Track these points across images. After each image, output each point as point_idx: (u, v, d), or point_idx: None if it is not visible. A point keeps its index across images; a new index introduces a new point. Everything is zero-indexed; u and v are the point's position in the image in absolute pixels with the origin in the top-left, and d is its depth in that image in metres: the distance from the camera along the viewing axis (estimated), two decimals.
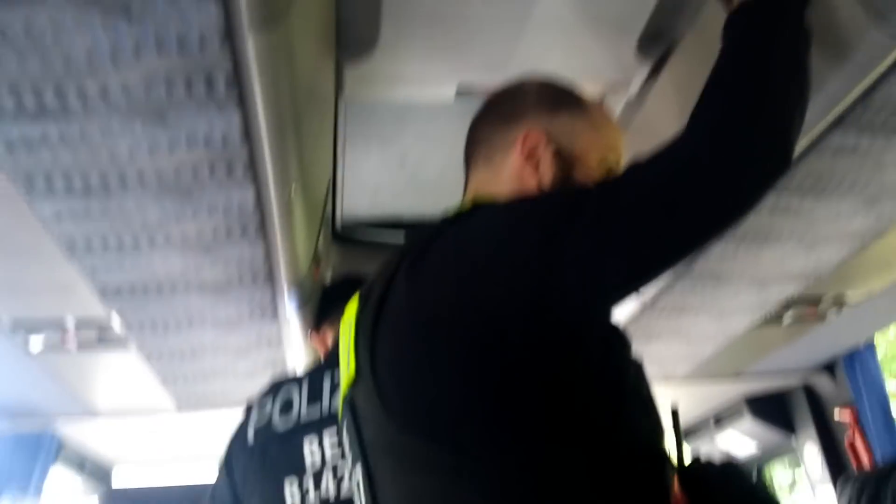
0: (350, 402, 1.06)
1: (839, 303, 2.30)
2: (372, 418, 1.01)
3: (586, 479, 0.91)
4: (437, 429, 0.94)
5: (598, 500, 0.90)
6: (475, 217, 1.05)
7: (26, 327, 1.94)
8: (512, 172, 1.16)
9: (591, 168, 1.14)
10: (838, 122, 1.40)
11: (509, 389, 0.92)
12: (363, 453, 1.02)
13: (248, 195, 1.43)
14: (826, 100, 1.34)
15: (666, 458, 0.97)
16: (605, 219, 0.91)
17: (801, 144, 1.46)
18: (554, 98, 1.21)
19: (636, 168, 0.95)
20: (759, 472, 1.08)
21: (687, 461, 1.04)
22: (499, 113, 1.23)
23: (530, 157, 1.14)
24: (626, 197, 0.92)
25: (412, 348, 0.98)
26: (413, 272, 1.01)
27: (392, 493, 0.98)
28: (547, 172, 1.13)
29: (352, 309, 1.14)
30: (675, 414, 1.20)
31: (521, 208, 1.03)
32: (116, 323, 1.93)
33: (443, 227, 1.07)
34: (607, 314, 1.02)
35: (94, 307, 1.85)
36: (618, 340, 1.05)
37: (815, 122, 1.39)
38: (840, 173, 1.56)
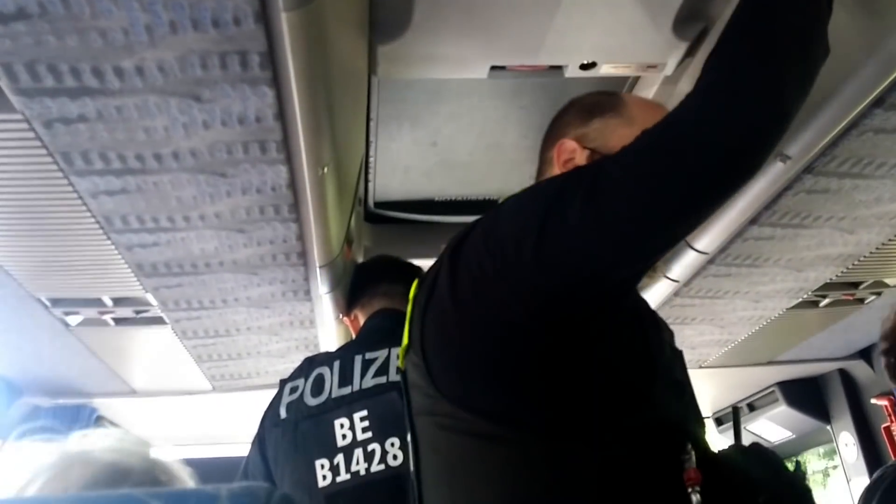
0: (403, 370, 1.15)
1: (878, 287, 2.26)
2: (418, 386, 1.09)
3: (606, 451, 0.96)
4: (473, 399, 1.01)
5: (615, 470, 0.95)
6: (503, 202, 1.10)
7: (65, 303, 1.98)
8: None
9: None
10: (879, 101, 1.37)
11: (534, 364, 0.98)
12: (410, 417, 1.11)
13: (282, 174, 1.45)
14: (866, 79, 1.31)
15: (687, 439, 0.99)
16: (603, 186, 0.93)
17: (840, 125, 1.43)
18: (588, 107, 1.26)
19: (640, 135, 0.97)
20: (798, 462, 1.10)
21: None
22: (545, 137, 1.30)
23: (566, 164, 1.20)
24: (625, 162, 0.95)
25: (451, 323, 1.04)
26: (454, 255, 1.07)
27: (430, 451, 1.07)
28: None
29: (414, 286, 1.20)
30: (735, 412, 1.25)
31: (533, 188, 1.09)
32: (152, 301, 1.96)
33: (487, 213, 1.11)
34: (625, 288, 1.03)
35: (131, 285, 1.88)
36: (653, 325, 1.08)
37: (855, 102, 1.36)
38: (882, 154, 1.52)
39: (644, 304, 1.19)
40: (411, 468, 1.10)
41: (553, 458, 0.96)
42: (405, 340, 1.15)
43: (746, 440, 1.25)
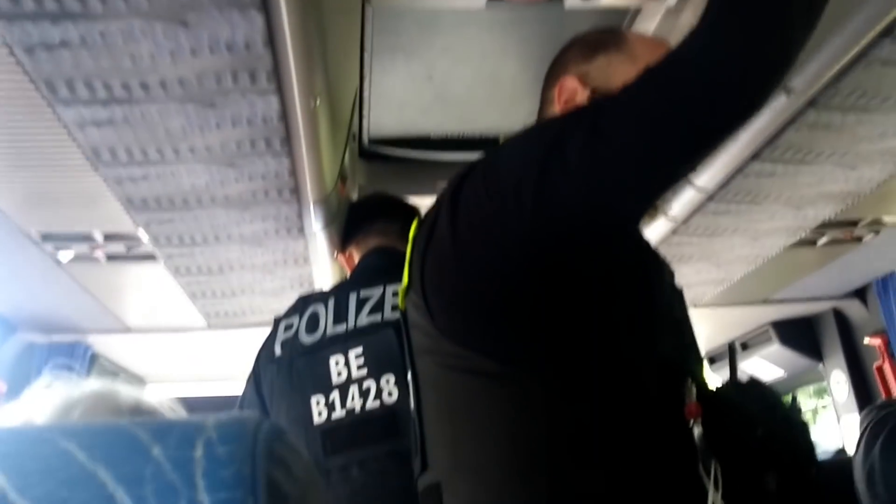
0: (403, 310, 1.15)
1: (876, 225, 2.24)
2: (419, 326, 1.09)
3: (607, 387, 0.96)
4: (474, 338, 1.02)
5: (616, 406, 0.96)
6: (504, 143, 1.08)
7: (56, 238, 1.96)
8: None
9: None
10: (887, 31, 1.34)
11: (534, 302, 0.98)
12: (411, 356, 1.12)
13: (273, 105, 1.41)
14: (875, 8, 1.28)
15: (687, 376, 1.01)
16: (604, 125, 0.92)
17: (847, 56, 1.40)
18: (591, 44, 1.23)
19: (642, 73, 0.94)
20: (794, 397, 1.12)
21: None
22: (546, 75, 1.28)
23: (567, 103, 1.18)
24: (627, 101, 0.93)
25: (450, 262, 1.04)
26: (454, 195, 1.05)
27: (431, 390, 1.07)
28: None
29: (414, 226, 1.19)
30: (731, 348, 1.27)
31: (533, 129, 1.07)
32: (144, 236, 1.94)
33: (485, 153, 1.10)
34: (627, 228, 1.04)
35: (121, 221, 1.85)
36: (653, 262, 1.09)
37: (863, 31, 1.33)
38: (887, 88, 1.49)
39: (645, 242, 1.18)
40: (412, 407, 1.10)
41: (555, 396, 0.96)
42: (405, 280, 1.14)
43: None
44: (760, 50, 0.89)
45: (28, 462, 0.41)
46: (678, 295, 1.17)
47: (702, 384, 1.02)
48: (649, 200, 0.99)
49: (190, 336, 2.88)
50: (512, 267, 0.97)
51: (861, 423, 1.65)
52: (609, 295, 1.00)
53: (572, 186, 0.92)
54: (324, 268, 2.24)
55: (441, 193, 1.12)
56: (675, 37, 1.59)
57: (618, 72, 1.15)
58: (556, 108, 1.20)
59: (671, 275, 1.20)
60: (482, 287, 1.00)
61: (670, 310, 1.10)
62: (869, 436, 1.57)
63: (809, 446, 1.01)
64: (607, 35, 1.25)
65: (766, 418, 0.99)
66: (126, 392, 0.77)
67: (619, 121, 0.92)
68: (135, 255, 2.10)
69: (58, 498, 0.39)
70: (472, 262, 1.01)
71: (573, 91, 1.18)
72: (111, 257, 2.10)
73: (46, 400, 0.73)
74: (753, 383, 1.07)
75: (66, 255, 2.05)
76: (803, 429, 1.03)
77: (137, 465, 0.40)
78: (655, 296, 1.06)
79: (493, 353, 0.99)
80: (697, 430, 0.94)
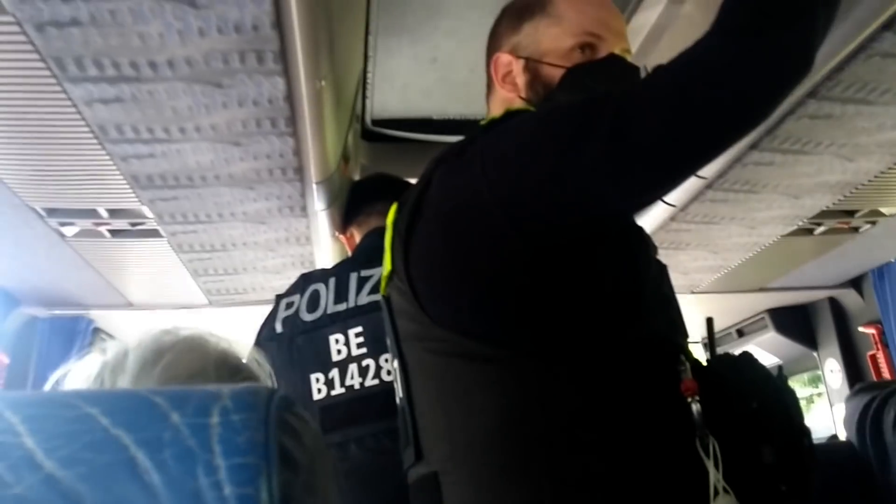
0: (387, 297, 1.13)
1: (873, 216, 2.26)
2: (405, 311, 1.07)
3: (601, 367, 0.96)
4: (463, 322, 1.00)
5: (612, 383, 0.96)
6: (505, 122, 1.07)
7: (61, 213, 1.97)
8: (499, 99, 1.23)
9: (561, 59, 1.17)
10: (889, 24, 1.35)
11: (527, 283, 0.97)
12: (398, 343, 1.09)
13: (279, 86, 1.42)
14: (876, 1, 1.29)
15: (679, 351, 1.01)
16: (621, 122, 0.91)
17: (848, 48, 1.41)
18: (517, 14, 1.24)
19: (658, 69, 0.94)
20: (780, 367, 1.12)
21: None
22: (486, 53, 1.28)
23: (505, 79, 1.21)
24: (643, 98, 0.93)
25: (440, 246, 1.03)
26: (444, 177, 1.05)
27: (422, 378, 1.05)
28: (521, 85, 1.19)
29: (392, 211, 1.18)
30: (709, 322, 1.25)
31: (542, 117, 1.05)
32: (148, 213, 1.96)
33: (477, 134, 1.09)
34: (628, 217, 1.04)
35: (126, 197, 1.87)
36: (638, 240, 1.08)
37: (865, 23, 1.34)
38: (888, 80, 1.50)
39: (630, 219, 1.18)
40: (400, 395, 1.09)
41: (548, 377, 0.96)
42: (387, 267, 1.13)
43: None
44: (784, 61, 0.89)
45: (53, 425, 0.43)
46: (663, 270, 1.16)
47: (692, 359, 1.01)
48: (658, 197, 0.99)
49: (191, 313, 2.90)
50: (502, 249, 0.96)
51: (851, 405, 1.65)
52: (597, 272, 0.99)
53: (582, 185, 0.92)
54: (325, 247, 2.25)
55: (422, 175, 1.11)
56: (678, 27, 1.61)
57: (545, 36, 1.18)
58: (497, 87, 1.22)
59: (655, 249, 1.20)
60: (470, 268, 0.99)
61: (658, 285, 1.09)
62: (873, 419, 1.56)
63: (801, 417, 1.01)
64: (531, 0, 1.24)
65: (759, 391, 1.00)
66: (215, 341, 0.79)
67: (637, 124, 0.90)
68: (139, 232, 2.12)
69: (82, 460, 0.42)
70: (461, 243, 1.00)
71: (508, 65, 1.21)
72: (115, 233, 2.12)
73: (140, 343, 0.74)
74: (745, 356, 1.06)
75: (70, 230, 2.07)
76: (794, 399, 1.03)
77: (157, 430, 0.43)
78: (643, 272, 1.05)
79: (481, 335, 0.98)
80: (696, 407, 0.94)
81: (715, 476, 0.91)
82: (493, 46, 1.26)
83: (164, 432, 0.43)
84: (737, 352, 1.10)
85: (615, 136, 0.91)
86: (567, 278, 0.97)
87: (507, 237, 0.96)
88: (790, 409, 1.00)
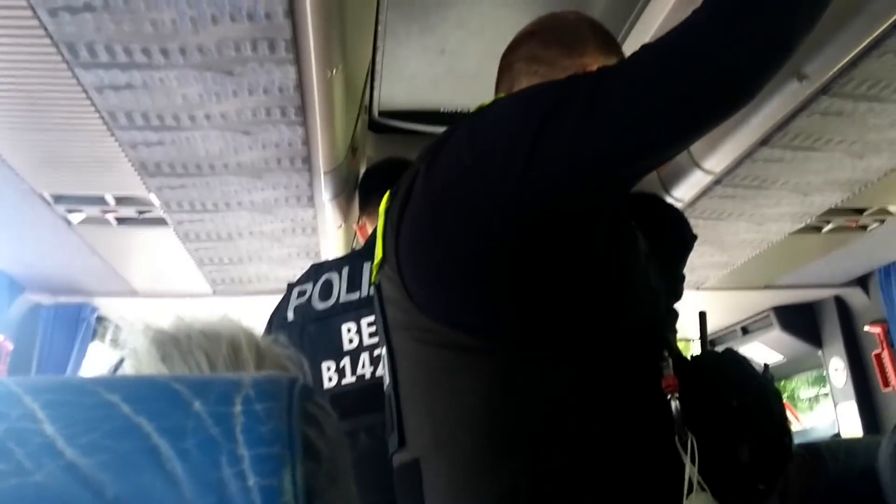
0: (377, 284, 1.13)
1: (882, 214, 2.25)
2: (394, 299, 1.07)
3: (584, 360, 0.96)
4: (449, 311, 1.00)
5: (595, 377, 0.96)
6: (489, 107, 1.07)
7: (68, 200, 1.97)
8: None
9: None
10: None
11: (513, 273, 0.96)
12: (386, 331, 1.09)
13: (290, 75, 1.42)
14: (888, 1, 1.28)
15: (664, 346, 1.00)
16: (600, 97, 0.91)
17: (861, 45, 1.40)
18: (546, 43, 1.23)
19: (643, 46, 0.94)
20: (766, 365, 1.12)
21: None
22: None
23: (512, 88, 1.21)
24: (627, 78, 0.93)
25: (427, 234, 1.02)
26: (432, 163, 1.04)
27: (408, 365, 1.05)
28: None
29: (385, 199, 1.17)
30: (702, 316, 1.23)
31: (525, 92, 1.06)
32: (155, 201, 1.95)
33: (462, 120, 1.08)
34: (610, 200, 1.02)
35: (134, 185, 1.86)
36: (626, 232, 1.07)
37: (879, 19, 1.33)
38: None
39: (620, 210, 1.17)
40: (387, 382, 1.09)
41: (531, 369, 0.96)
42: (379, 254, 1.12)
43: None
44: (767, 42, 0.89)
45: (74, 412, 0.43)
46: (653, 264, 1.15)
47: (677, 353, 1.01)
48: (637, 178, 0.99)
49: (195, 302, 2.89)
50: (489, 235, 0.96)
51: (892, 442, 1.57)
52: (584, 263, 0.98)
53: (564, 159, 0.92)
54: (331, 237, 2.25)
55: (412, 168, 1.11)
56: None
57: (566, 72, 1.14)
58: (503, 92, 1.22)
59: (646, 243, 1.19)
60: (457, 256, 0.98)
61: (646, 278, 1.07)
62: None
63: (783, 416, 1.00)
64: (569, 37, 1.25)
65: (741, 389, 0.99)
66: (239, 327, 0.78)
67: (619, 99, 0.91)
68: (145, 220, 2.11)
69: (103, 447, 0.41)
70: (448, 230, 0.99)
71: (520, 79, 1.21)
72: (122, 221, 2.11)
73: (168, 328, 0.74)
74: (729, 352, 1.06)
75: (77, 217, 2.07)
76: (777, 398, 1.02)
77: (179, 419, 0.42)
78: (631, 264, 1.04)
79: (468, 325, 0.98)
80: (675, 404, 0.93)
81: (691, 471, 0.91)
82: (513, 58, 1.26)
83: (186, 420, 0.42)
84: (741, 349, 1.09)
85: (592, 106, 0.91)
86: (553, 268, 0.97)
87: (491, 220, 0.95)
88: (772, 408, 1.00)
